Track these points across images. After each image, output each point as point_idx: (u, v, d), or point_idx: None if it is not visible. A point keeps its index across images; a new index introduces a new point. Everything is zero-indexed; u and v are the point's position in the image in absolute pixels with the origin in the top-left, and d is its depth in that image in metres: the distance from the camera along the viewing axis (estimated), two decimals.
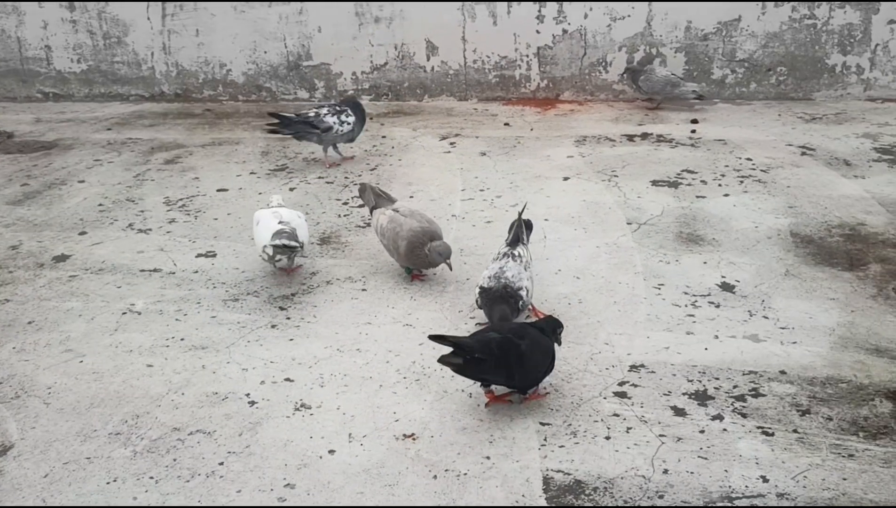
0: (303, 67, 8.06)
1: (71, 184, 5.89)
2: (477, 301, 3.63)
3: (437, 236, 4.09)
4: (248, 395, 3.30)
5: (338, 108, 5.96)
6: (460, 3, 7.52)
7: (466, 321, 3.80)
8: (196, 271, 4.44)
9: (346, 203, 5.38)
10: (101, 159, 6.45)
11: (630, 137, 6.41)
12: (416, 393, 3.26)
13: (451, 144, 6.57)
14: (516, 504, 2.62)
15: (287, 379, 3.40)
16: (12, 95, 8.45)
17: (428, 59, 7.83)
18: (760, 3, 7.13)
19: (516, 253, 3.75)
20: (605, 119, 6.97)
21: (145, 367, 3.52)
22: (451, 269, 4.07)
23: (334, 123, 5.86)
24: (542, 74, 7.60)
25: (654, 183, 5.38)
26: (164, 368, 3.51)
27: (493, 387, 3.12)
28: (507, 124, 7.03)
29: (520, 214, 4.01)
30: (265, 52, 8.05)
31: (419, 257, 4.05)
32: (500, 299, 3.48)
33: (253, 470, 2.84)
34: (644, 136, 6.44)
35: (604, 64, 7.50)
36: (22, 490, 2.78)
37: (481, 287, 3.61)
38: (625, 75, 7.35)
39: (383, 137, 6.88)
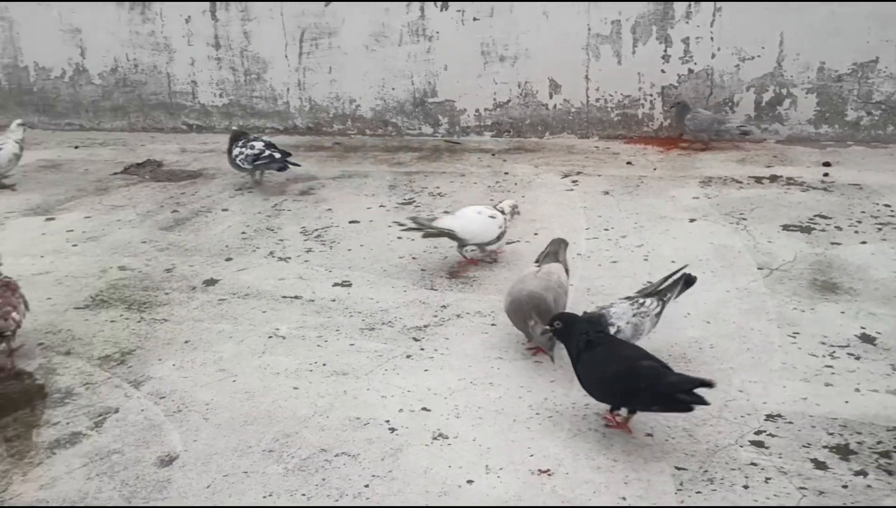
0: (428, 104, 8.34)
1: (216, 212, 6.30)
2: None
3: (547, 308, 3.74)
4: (388, 422, 3.47)
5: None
6: (585, 43, 7.64)
7: None
8: (333, 300, 4.68)
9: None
10: (242, 189, 6.86)
11: (758, 179, 6.34)
12: (550, 429, 3.35)
13: (574, 181, 6.67)
14: None
15: (424, 408, 3.55)
16: (160, 126, 9.09)
17: (550, 97, 7.97)
18: None
19: (642, 301, 3.68)
20: (731, 160, 6.91)
21: (292, 389, 3.75)
22: (552, 360, 3.71)
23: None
24: (666, 113, 7.61)
25: (786, 227, 5.31)
26: (308, 391, 3.73)
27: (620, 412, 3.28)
28: (629, 163, 7.07)
29: (681, 271, 3.85)
30: (392, 89, 8.38)
31: (521, 324, 3.85)
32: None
33: (396, 494, 2.99)
34: (773, 178, 6.35)
35: (730, 104, 7.45)
36: (188, 499, 3.02)
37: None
38: (672, 109, 7.39)
39: (505, 173, 7.05)
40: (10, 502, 3.03)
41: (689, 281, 3.85)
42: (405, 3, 7.99)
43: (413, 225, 4.92)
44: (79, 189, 7.03)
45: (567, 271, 4.21)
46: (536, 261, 4.28)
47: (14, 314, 3.98)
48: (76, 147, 8.57)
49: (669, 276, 3.84)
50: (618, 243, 5.29)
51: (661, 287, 3.78)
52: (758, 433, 3.22)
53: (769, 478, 2.95)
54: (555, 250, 4.28)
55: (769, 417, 3.32)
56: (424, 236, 5.02)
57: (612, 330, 3.56)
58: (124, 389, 3.80)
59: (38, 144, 8.75)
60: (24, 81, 9.29)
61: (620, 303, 3.70)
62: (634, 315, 3.62)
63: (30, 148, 8.50)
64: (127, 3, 8.66)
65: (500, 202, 5.11)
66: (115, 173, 7.51)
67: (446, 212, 5.17)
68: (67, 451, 3.34)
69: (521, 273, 4.23)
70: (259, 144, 6.73)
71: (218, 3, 8.45)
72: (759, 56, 7.26)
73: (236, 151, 6.75)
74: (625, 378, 3.12)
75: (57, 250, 5.58)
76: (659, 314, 3.71)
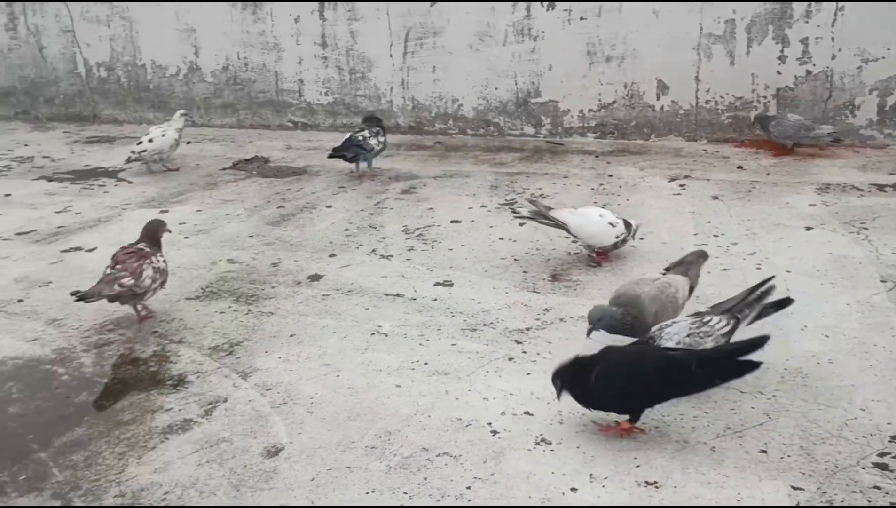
0: (531, 104, 8.29)
1: (320, 208, 6.42)
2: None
3: (632, 302, 3.71)
4: (489, 424, 3.44)
5: (373, 130, 7.16)
6: (697, 43, 7.42)
7: None
8: (435, 299, 4.68)
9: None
10: (345, 186, 6.97)
11: (880, 187, 6.02)
12: (657, 441, 3.25)
13: (681, 185, 6.49)
14: None
15: (527, 412, 3.51)
16: (267, 123, 9.35)
17: (658, 99, 7.79)
18: None
19: (708, 320, 3.42)
20: (851, 166, 6.58)
21: (394, 387, 3.76)
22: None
23: (375, 144, 7.08)
24: (752, 128, 7.30)
25: None
26: (410, 389, 3.74)
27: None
28: (740, 168, 6.83)
29: (768, 282, 3.64)
30: (496, 89, 8.36)
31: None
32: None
33: (498, 499, 2.96)
34: None
35: (851, 107, 7.10)
36: (293, 490, 3.07)
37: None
38: (756, 124, 7.15)
39: (610, 175, 6.92)
40: (127, 484, 3.15)
41: (781, 303, 3.56)
42: (511, 2, 7.96)
43: (529, 211, 5.05)
44: (190, 183, 7.29)
45: (693, 287, 4.00)
46: (667, 269, 4.17)
47: (126, 281, 4.27)
48: (188, 142, 8.88)
49: (754, 289, 3.59)
50: (728, 250, 5.11)
51: (737, 306, 3.51)
52: (881, 455, 3.04)
53: (895, 504, 2.77)
54: (688, 263, 4.11)
55: (894, 438, 3.13)
56: (538, 222, 5.14)
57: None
58: (233, 379, 3.90)
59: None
60: (141, 78, 9.72)
61: (682, 321, 3.45)
62: (689, 335, 3.36)
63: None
64: (239, 3, 8.93)
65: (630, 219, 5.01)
66: (225, 169, 7.76)
67: (572, 208, 5.15)
68: (179, 437, 3.45)
69: (642, 276, 4.13)
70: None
71: (326, 3, 8.62)
72: (883, 57, 6.90)
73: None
74: (671, 368, 3.13)
75: (170, 242, 5.74)
76: (728, 335, 3.39)
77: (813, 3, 6.98)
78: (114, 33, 9.59)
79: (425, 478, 3.10)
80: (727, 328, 3.40)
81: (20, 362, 4.15)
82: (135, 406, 3.70)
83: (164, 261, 4.58)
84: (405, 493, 3.02)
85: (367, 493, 3.03)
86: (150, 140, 7.47)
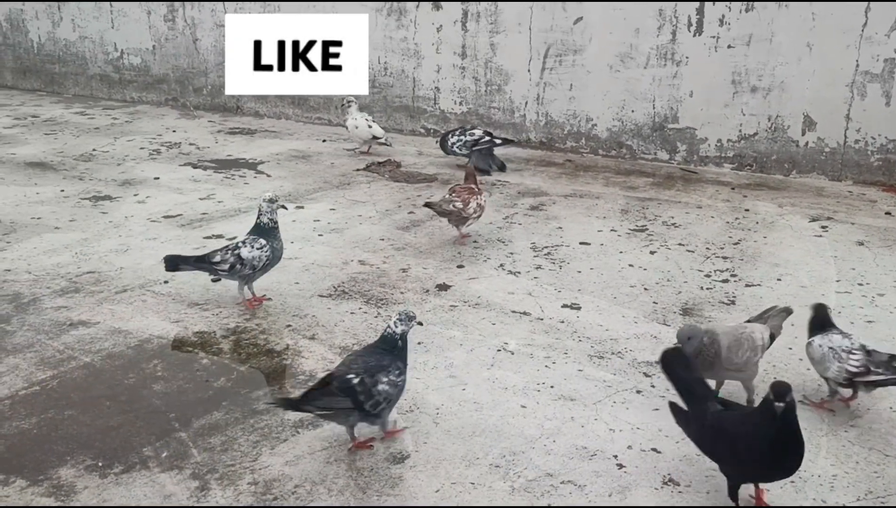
0: (667, 129, 8.13)
1: None
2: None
3: (710, 333, 3.61)
4: (615, 457, 3.39)
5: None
6: (851, 80, 7.11)
7: (846, 429, 3.56)
8: (562, 321, 4.66)
9: (708, 275, 5.33)
10: None
11: None
12: (792, 496, 3.12)
13: (823, 227, 6.22)
14: None
15: (654, 449, 3.44)
16: (400, 127, 9.53)
17: (803, 134, 7.50)
18: None
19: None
20: None
21: (519, 407, 3.77)
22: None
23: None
24: None
25: None
26: (536, 412, 3.73)
27: None
28: (888, 214, 6.50)
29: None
30: (632, 111, 8.25)
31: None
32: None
33: None
34: None
35: None
36: (418, 500, 3.12)
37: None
38: None
39: (746, 209, 6.71)
40: (260, 472, 3.27)
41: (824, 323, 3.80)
42: (657, 25, 7.83)
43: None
44: (325, 181, 7.52)
45: (773, 335, 3.79)
46: (749, 320, 3.95)
47: (457, 204, 5.69)
48: (324, 141, 9.18)
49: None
50: (874, 300, 4.86)
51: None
52: None
53: None
54: (771, 315, 3.91)
55: None
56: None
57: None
58: None
59: (290, 134, 9.48)
60: None
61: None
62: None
63: (283, 138, 9.25)
64: (385, 8, 9.15)
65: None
66: (358, 170, 7.96)
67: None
68: (310, 433, 3.56)
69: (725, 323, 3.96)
70: (478, 132, 7.80)
71: (470, 14, 8.71)
72: None
73: (453, 139, 7.76)
74: None
75: (305, 238, 5.98)
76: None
77: None
78: None
79: (549, 504, 3.09)
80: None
81: (164, 341, 4.38)
82: (269, 397, 3.85)
83: (486, 199, 5.95)
84: None
85: None
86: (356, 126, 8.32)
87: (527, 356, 4.26)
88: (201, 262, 4.73)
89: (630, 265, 5.48)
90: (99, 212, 6.49)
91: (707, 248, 5.81)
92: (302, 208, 6.71)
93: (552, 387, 3.95)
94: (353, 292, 5.05)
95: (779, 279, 5.21)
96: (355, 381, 3.27)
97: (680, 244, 5.89)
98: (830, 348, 3.62)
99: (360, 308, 4.82)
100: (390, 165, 8.09)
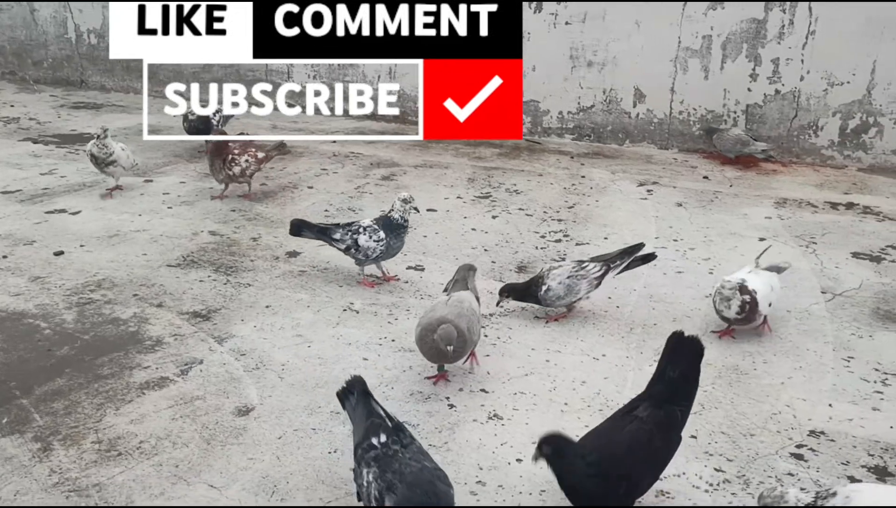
0: None
1: (301, 189, 6.64)
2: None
3: (460, 334, 3.61)
4: (447, 398, 3.70)
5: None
6: (674, 56, 7.72)
7: (651, 364, 4.02)
8: (407, 282, 4.94)
9: (543, 236, 5.73)
10: (327, 169, 7.19)
11: (833, 205, 6.35)
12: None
13: (649, 190, 6.78)
14: None
15: (482, 390, 3.77)
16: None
17: (634, 106, 8.06)
18: None
19: (585, 264, 4.40)
20: (809, 184, 6.91)
21: (361, 360, 4.02)
22: (449, 357, 3.63)
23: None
24: (748, 131, 7.62)
25: (855, 255, 5.34)
26: (377, 363, 3.99)
27: None
28: (706, 178, 7.14)
29: (638, 246, 4.56)
30: None
31: (429, 348, 3.68)
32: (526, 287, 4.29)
33: (450, 464, 3.22)
34: (849, 205, 6.35)
35: (814, 128, 7.43)
36: (261, 447, 3.31)
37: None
38: (703, 135, 7.70)
39: (582, 176, 7.19)
40: (104, 432, 3.37)
41: (646, 258, 4.56)
42: None
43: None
44: (175, 155, 7.47)
45: (477, 297, 4.05)
46: (445, 289, 4.12)
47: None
48: (175, 115, 9.04)
49: (627, 248, 4.51)
50: (685, 254, 5.40)
51: (611, 257, 4.46)
52: (799, 446, 3.35)
53: (804, 489, 3.07)
54: (463, 278, 4.13)
55: (812, 433, 3.43)
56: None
57: (544, 289, 4.30)
58: (209, 343, 4.13)
59: (139, 108, 9.26)
60: None
61: (565, 265, 4.41)
62: (569, 277, 4.32)
63: (132, 112, 9.06)
64: None
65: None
66: (208, 142, 7.92)
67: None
68: (156, 393, 3.68)
69: (431, 303, 4.08)
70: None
71: None
72: (848, 82, 7.22)
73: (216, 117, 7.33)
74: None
75: (153, 211, 5.98)
76: (599, 279, 4.38)
77: (787, 25, 7.29)
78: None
79: None
80: (599, 273, 4.38)
81: (3, 314, 4.34)
82: (114, 363, 3.92)
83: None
84: None
85: (329, 452, 3.29)
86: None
87: (371, 314, 4.51)
88: (323, 233, 4.90)
89: (473, 229, 5.81)
90: None
91: (544, 212, 6.23)
92: (151, 181, 6.68)
93: (393, 341, 4.21)
94: (202, 261, 5.13)
95: (605, 238, 5.68)
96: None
97: (520, 209, 6.28)
98: (567, 278, 4.34)
99: (209, 276, 4.92)
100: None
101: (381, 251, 4.80)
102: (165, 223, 5.72)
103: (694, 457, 3.26)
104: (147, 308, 4.48)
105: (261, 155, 6.34)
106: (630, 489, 2.81)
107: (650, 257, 4.62)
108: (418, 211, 5.09)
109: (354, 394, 3.02)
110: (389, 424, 2.87)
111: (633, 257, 4.50)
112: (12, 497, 2.96)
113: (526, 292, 4.43)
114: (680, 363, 3.00)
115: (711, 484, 3.12)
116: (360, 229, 4.79)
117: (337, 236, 4.82)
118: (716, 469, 3.20)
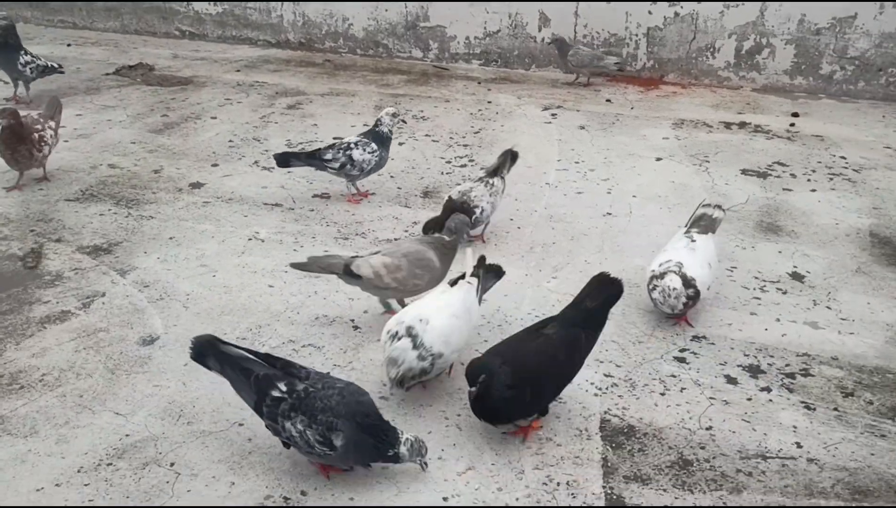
0: (419, 28, 8.47)
1: (204, 119, 6.51)
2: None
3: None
4: (352, 321, 3.80)
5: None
6: None
7: (548, 281, 4.20)
8: (312, 210, 4.96)
9: (449, 162, 5.81)
10: (231, 99, 7.05)
11: (727, 125, 6.60)
12: (499, 337, 3.68)
13: (553, 115, 6.90)
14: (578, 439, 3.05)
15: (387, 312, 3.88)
16: (153, 30, 9.18)
17: (539, 31, 8.12)
18: (879, 3, 7.12)
19: (491, 182, 4.55)
20: (706, 105, 7.16)
21: (267, 287, 4.06)
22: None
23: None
24: (650, 54, 7.80)
25: (744, 172, 5.61)
26: (282, 290, 4.04)
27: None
28: (608, 101, 7.30)
29: (511, 149, 4.85)
30: (386, 10, 8.50)
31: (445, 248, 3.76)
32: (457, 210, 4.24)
33: (356, 381, 3.32)
34: (742, 124, 6.62)
35: (712, 50, 7.65)
36: (166, 374, 3.36)
37: (448, 197, 4.44)
38: (551, 45, 7.84)
39: (489, 102, 7.26)
40: (5, 366, 3.35)
41: (514, 156, 4.84)
42: None
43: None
44: (70, 87, 7.19)
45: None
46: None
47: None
48: (68, 45, 8.67)
49: (501, 158, 4.78)
50: (585, 175, 5.57)
51: (497, 166, 4.71)
52: (682, 350, 3.58)
53: (684, 388, 3.32)
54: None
55: (694, 338, 3.68)
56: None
57: (479, 211, 4.37)
58: (111, 276, 4.11)
59: (30, 38, 8.83)
60: None
61: (476, 186, 4.48)
62: (491, 195, 4.49)
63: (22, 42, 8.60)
64: None
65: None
66: (107, 74, 7.66)
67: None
68: (57, 327, 3.65)
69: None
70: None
71: None
72: (743, 4, 7.43)
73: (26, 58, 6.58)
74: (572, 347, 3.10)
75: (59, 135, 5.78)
76: (503, 191, 4.64)
77: None
78: None
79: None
80: (504, 187, 4.66)
81: None
82: (12, 299, 3.87)
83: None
84: None
85: None
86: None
87: (276, 242, 4.54)
88: (312, 158, 4.93)
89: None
90: None
91: (451, 137, 6.29)
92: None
93: None
94: (102, 195, 5.03)
95: None
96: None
97: (426, 136, 6.32)
98: (490, 197, 4.50)
99: (109, 210, 4.84)
100: (142, 68, 7.85)
101: (375, 162, 4.97)
102: (62, 157, 5.56)
103: (585, 365, 3.45)
104: (46, 243, 4.40)
105: (54, 122, 5.26)
106: (535, 397, 2.96)
107: (516, 156, 4.91)
108: (406, 123, 5.21)
109: (211, 355, 2.88)
110: (276, 367, 2.82)
111: (509, 160, 4.82)
112: None
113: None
114: (598, 298, 3.18)
115: (600, 388, 3.32)
116: (352, 145, 4.93)
117: (328, 156, 4.92)
118: (605, 375, 3.41)
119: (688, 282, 3.63)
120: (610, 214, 4.97)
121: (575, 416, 3.15)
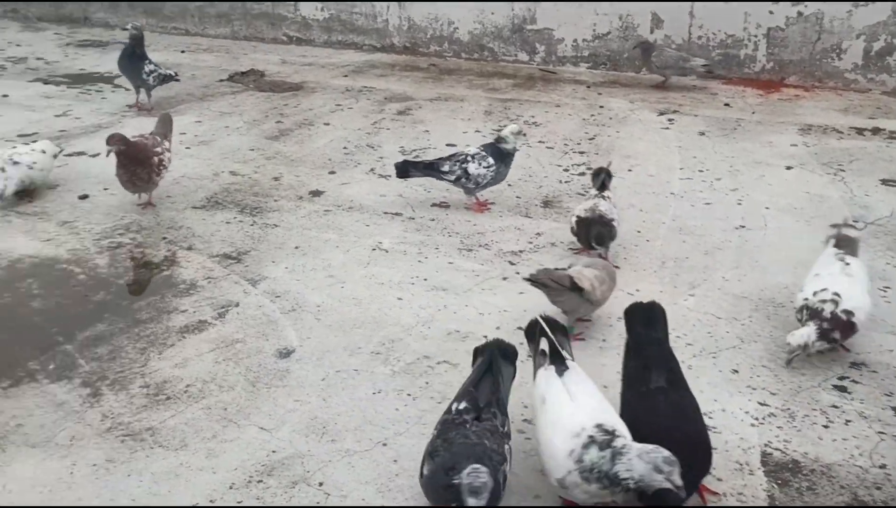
0: (526, 31, 8.36)
1: (317, 125, 6.55)
2: (572, 229, 4.30)
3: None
4: (486, 337, 3.69)
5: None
6: None
7: (685, 298, 4.03)
8: (433, 219, 4.91)
9: (566, 169, 5.68)
10: (342, 105, 7.08)
11: (859, 131, 6.27)
12: None
13: (670, 119, 6.69)
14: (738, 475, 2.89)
15: (520, 328, 3.77)
16: (261, 35, 9.34)
17: (651, 32, 7.90)
18: None
19: (607, 196, 4.42)
20: (834, 109, 6.81)
21: (396, 299, 4.02)
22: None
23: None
24: (770, 55, 7.48)
25: (884, 182, 5.30)
26: (411, 303, 3.99)
27: None
28: (727, 105, 7.04)
29: (605, 168, 4.63)
30: (492, 14, 8.42)
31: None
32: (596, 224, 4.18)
33: None
34: (875, 130, 6.27)
35: (837, 51, 7.29)
36: (305, 388, 3.34)
37: (578, 217, 4.27)
38: (636, 49, 7.57)
39: (601, 106, 7.09)
40: (151, 376, 3.40)
41: (609, 174, 4.61)
42: None
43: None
44: (188, 94, 7.36)
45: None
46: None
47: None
48: (182, 52, 8.89)
49: (600, 175, 4.59)
50: (712, 185, 5.36)
51: (601, 184, 4.53)
52: (841, 378, 3.37)
53: (849, 420, 3.11)
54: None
55: (853, 365, 3.45)
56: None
57: (616, 225, 4.27)
58: (242, 285, 4.14)
59: (146, 46, 9.08)
60: None
61: (599, 202, 4.32)
62: (616, 208, 4.42)
63: None
64: None
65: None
66: (221, 81, 7.81)
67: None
68: (196, 336, 3.69)
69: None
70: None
71: None
72: (873, 3, 7.05)
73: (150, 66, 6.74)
74: None
75: (172, 152, 5.90)
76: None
77: None
78: None
79: (427, 382, 3.38)
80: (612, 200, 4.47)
81: (37, 260, 4.34)
82: (151, 307, 3.93)
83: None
84: (409, 395, 3.30)
85: (373, 394, 3.31)
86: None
87: (400, 253, 4.50)
88: (430, 169, 4.96)
89: None
90: None
91: (565, 144, 6.16)
92: None
93: (425, 280, 4.21)
94: (226, 202, 5.10)
95: (630, 170, 5.62)
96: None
97: (540, 142, 6.21)
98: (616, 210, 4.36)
99: (234, 217, 4.89)
100: (254, 74, 7.97)
101: (490, 178, 4.91)
102: (186, 164, 5.66)
103: (737, 391, 3.29)
104: (178, 251, 4.47)
105: (168, 142, 5.14)
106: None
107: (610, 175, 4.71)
108: (525, 137, 5.48)
109: (483, 357, 2.91)
110: (476, 396, 2.71)
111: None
112: (68, 441, 2.99)
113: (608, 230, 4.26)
114: (656, 327, 3.04)
115: (757, 418, 3.15)
116: (469, 158, 4.89)
117: (445, 168, 4.91)
118: (760, 403, 3.22)
119: (844, 325, 3.32)
120: (743, 226, 4.76)
121: (733, 448, 2.99)
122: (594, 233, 4.14)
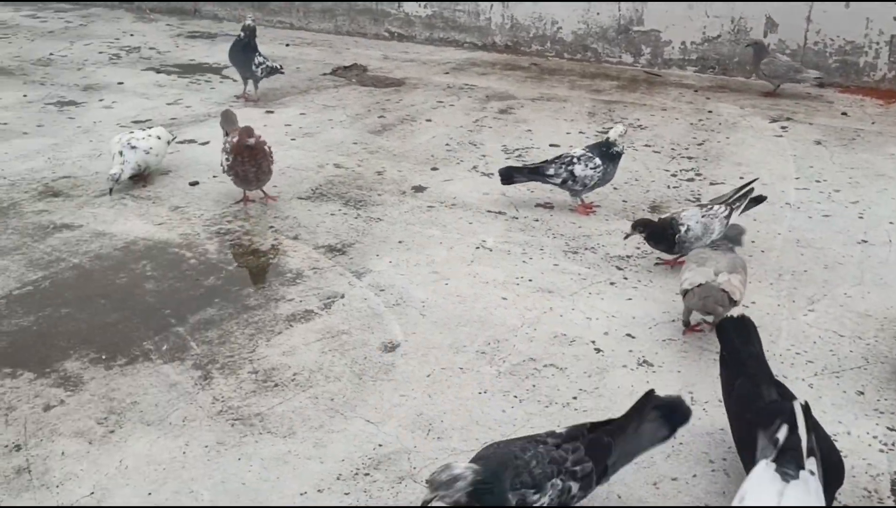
0: (632, 32, 8.19)
1: (419, 121, 6.56)
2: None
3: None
4: (593, 342, 3.62)
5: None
6: None
7: (805, 313, 3.84)
8: (537, 220, 4.83)
9: (674, 175, 5.52)
10: (444, 102, 7.07)
11: None
12: None
13: (783, 127, 6.43)
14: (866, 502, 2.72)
15: (629, 335, 3.67)
16: (364, 31, 9.42)
17: (765, 36, 7.62)
18: None
19: (710, 206, 4.20)
20: None
21: (500, 299, 3.96)
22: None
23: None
24: (892, 64, 7.12)
25: None
26: (516, 303, 3.93)
27: None
28: (844, 114, 6.72)
29: (759, 195, 4.41)
30: (597, 14, 8.27)
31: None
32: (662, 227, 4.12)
33: (603, 410, 3.16)
34: None
35: None
36: (411, 384, 3.32)
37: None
38: (749, 47, 7.21)
39: (709, 111, 6.88)
40: (259, 362, 3.43)
41: (758, 199, 4.39)
42: None
43: None
44: (292, 86, 7.47)
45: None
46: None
47: None
48: (287, 45, 9.04)
49: (739, 189, 4.34)
50: (830, 196, 5.12)
51: (731, 199, 4.27)
52: None
53: None
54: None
55: None
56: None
57: (683, 229, 4.07)
58: (347, 278, 4.15)
59: None
60: None
61: (691, 208, 4.23)
62: (704, 217, 4.11)
63: None
64: None
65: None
66: (324, 74, 7.90)
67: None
68: (303, 325, 3.72)
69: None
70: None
71: None
72: None
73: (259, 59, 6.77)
74: None
75: (278, 142, 5.98)
76: (727, 218, 4.14)
77: None
78: None
79: (534, 385, 3.31)
80: (727, 214, 4.17)
81: (150, 242, 4.46)
82: (259, 294, 3.98)
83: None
84: (515, 397, 3.24)
85: (479, 393, 3.26)
86: None
87: (504, 252, 4.44)
88: (534, 173, 4.90)
89: None
90: (66, 117, 6.41)
91: (672, 148, 5.99)
92: (272, 112, 6.70)
93: (530, 281, 4.14)
94: (331, 195, 5.14)
95: (741, 178, 5.40)
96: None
97: (646, 146, 6.05)
98: (702, 217, 4.15)
99: (339, 210, 4.92)
100: (356, 69, 8.05)
101: (598, 178, 4.82)
102: (291, 155, 5.74)
103: (863, 415, 3.11)
104: (284, 240, 4.52)
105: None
106: None
107: (761, 199, 4.45)
108: (629, 137, 5.36)
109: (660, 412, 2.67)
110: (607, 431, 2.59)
111: (749, 198, 4.31)
112: (181, 421, 3.05)
113: (661, 231, 4.17)
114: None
115: (885, 444, 2.96)
116: (574, 160, 4.80)
117: (550, 171, 4.84)
118: (888, 429, 3.04)
119: None
120: (865, 241, 4.52)
121: (860, 474, 2.82)
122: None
